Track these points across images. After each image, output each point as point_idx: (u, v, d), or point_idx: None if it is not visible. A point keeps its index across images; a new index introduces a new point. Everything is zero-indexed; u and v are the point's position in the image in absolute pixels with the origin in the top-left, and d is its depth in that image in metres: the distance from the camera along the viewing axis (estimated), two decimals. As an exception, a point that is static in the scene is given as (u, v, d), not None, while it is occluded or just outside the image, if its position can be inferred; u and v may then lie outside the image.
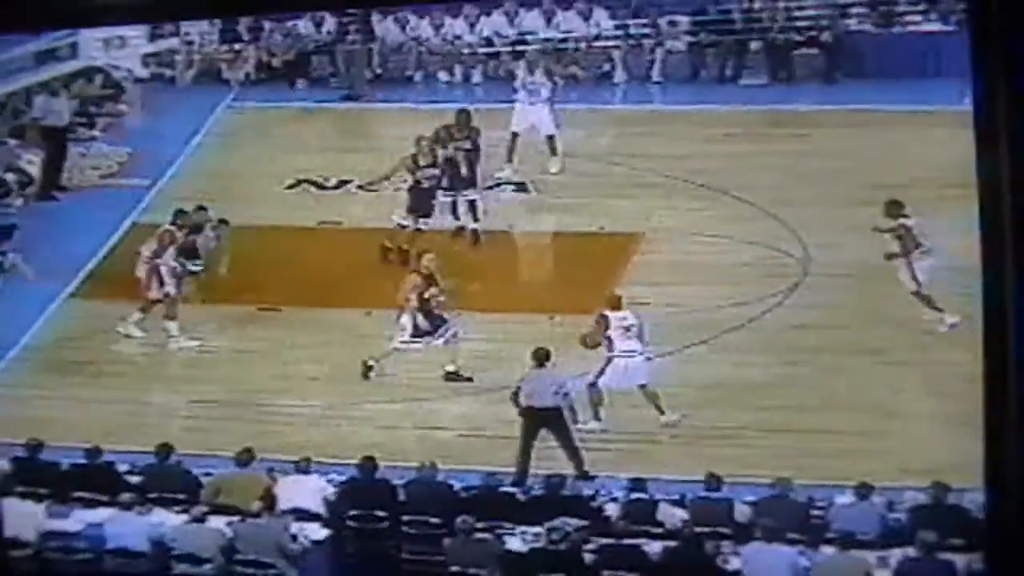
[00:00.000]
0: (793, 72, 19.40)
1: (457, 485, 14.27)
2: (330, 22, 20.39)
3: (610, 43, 19.85)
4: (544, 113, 18.19)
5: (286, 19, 20.66)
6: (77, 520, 14.43)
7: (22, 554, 14.22)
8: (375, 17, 20.22)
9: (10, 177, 18.64)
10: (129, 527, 14.23)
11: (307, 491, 14.36)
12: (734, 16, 19.69)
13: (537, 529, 13.62)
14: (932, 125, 16.72)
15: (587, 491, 14.07)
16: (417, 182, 17.20)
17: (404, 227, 17.09)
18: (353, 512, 14.20)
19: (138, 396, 15.88)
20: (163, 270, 16.64)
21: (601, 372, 14.81)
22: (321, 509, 14.30)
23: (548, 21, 19.80)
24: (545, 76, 18.36)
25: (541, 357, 14.73)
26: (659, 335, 15.11)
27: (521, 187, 17.75)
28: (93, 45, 19.90)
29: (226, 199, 17.53)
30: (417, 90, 20.24)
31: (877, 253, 15.51)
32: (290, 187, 18.50)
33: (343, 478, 14.48)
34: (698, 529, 13.36)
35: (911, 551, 12.72)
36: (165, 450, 14.79)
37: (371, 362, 15.60)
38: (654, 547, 13.32)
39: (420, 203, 17.17)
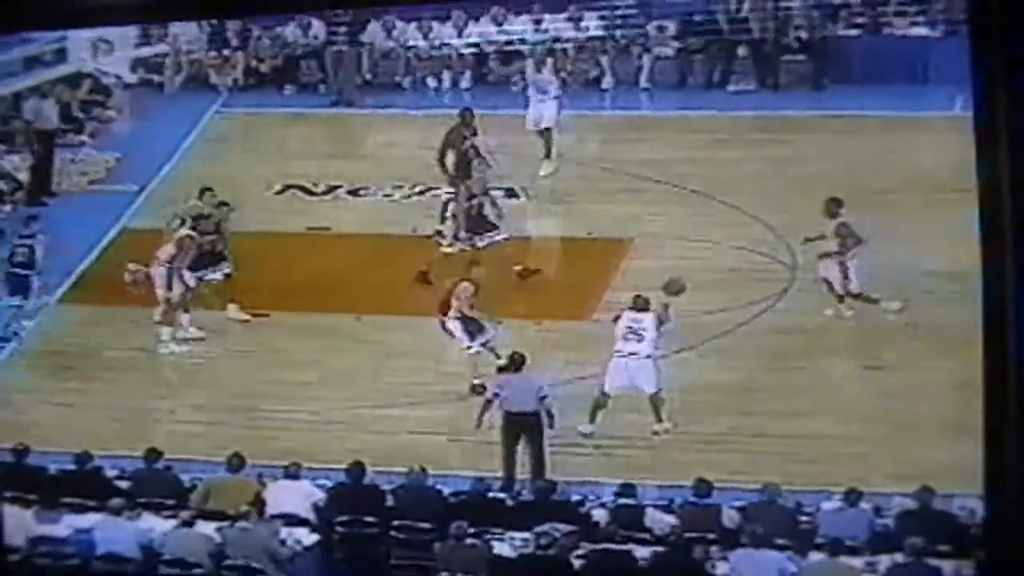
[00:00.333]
0: (780, 78, 19.44)
1: (446, 490, 14.28)
2: (317, 27, 20.40)
3: (599, 48, 19.89)
4: (552, 109, 18.28)
5: (274, 24, 20.67)
6: (66, 525, 14.40)
7: (11, 559, 14.19)
8: (364, 20, 20.24)
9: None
10: (118, 532, 14.20)
11: (296, 496, 14.36)
12: (721, 22, 19.74)
13: (526, 535, 13.63)
14: (920, 131, 16.81)
15: (576, 496, 14.09)
16: (471, 200, 17.04)
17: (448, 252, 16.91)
18: (342, 517, 14.20)
19: (127, 401, 15.86)
20: (181, 275, 16.60)
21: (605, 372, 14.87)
22: (310, 514, 14.29)
23: (537, 26, 19.83)
24: (553, 72, 18.44)
25: (517, 362, 14.77)
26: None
27: (511, 193, 17.74)
28: (82, 50, 19.91)
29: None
30: (406, 96, 20.27)
31: (866, 256, 15.56)
32: (279, 193, 18.51)
33: (332, 483, 14.48)
34: (687, 535, 13.38)
35: (899, 557, 12.74)
36: (154, 455, 14.79)
37: (475, 381, 15.46)
38: (643, 553, 13.33)
39: (476, 223, 17.01)
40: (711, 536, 13.35)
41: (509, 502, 14.21)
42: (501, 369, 15.06)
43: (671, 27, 19.88)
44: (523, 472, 14.48)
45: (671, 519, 13.59)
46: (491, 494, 14.27)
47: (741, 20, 19.66)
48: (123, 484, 14.77)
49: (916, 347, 14.79)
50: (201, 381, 16.26)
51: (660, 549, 13.35)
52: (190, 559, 13.89)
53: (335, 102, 20.31)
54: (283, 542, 13.94)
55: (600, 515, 13.84)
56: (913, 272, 15.19)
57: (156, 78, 20.77)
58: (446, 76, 20.53)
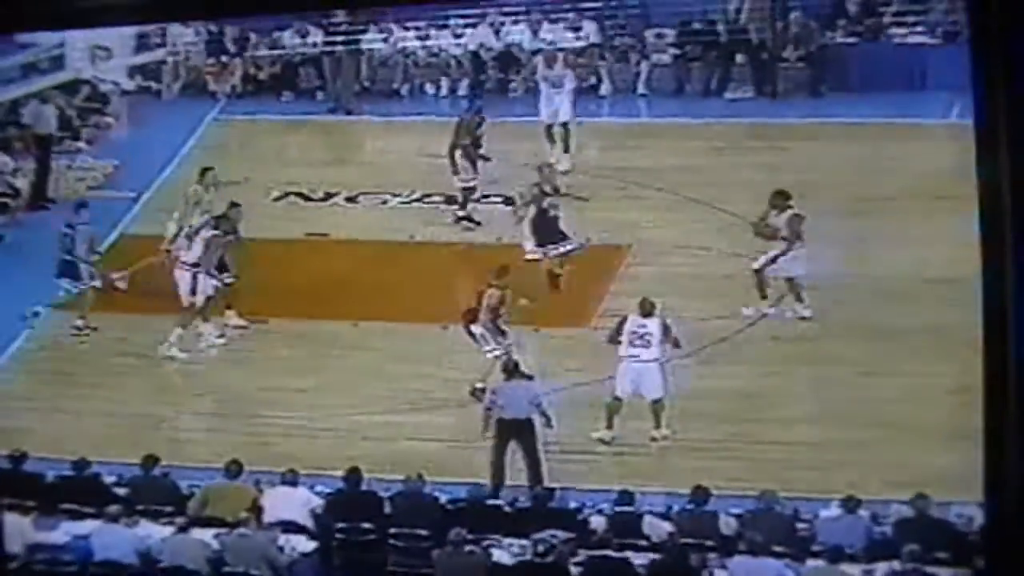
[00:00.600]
0: (779, 85, 19.45)
1: (443, 497, 14.27)
2: (316, 34, 20.41)
3: (597, 55, 19.91)
4: (567, 102, 18.36)
5: (272, 31, 20.69)
6: (64, 532, 14.38)
7: (9, 566, 14.17)
8: (362, 27, 20.26)
9: (-1, 190, 18.72)
10: (116, 539, 14.18)
11: (294, 503, 14.34)
12: (719, 29, 19.76)
13: (524, 541, 13.62)
14: (918, 138, 16.83)
15: (573, 503, 14.09)
16: (543, 211, 16.89)
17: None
18: (340, 524, 14.19)
19: (125, 408, 15.85)
20: (201, 278, 16.58)
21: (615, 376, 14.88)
22: (308, 521, 14.28)
23: (535, 34, 19.85)
24: (565, 66, 18.48)
25: (510, 368, 14.78)
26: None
27: (508, 200, 17.73)
28: (80, 57, 19.91)
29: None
30: (404, 103, 20.29)
31: (863, 264, 15.58)
32: (277, 199, 18.51)
33: (330, 490, 14.47)
34: (684, 542, 13.37)
35: (897, 564, 12.74)
36: (152, 462, 14.76)
37: (478, 385, 15.42)
38: (640, 560, 13.32)
39: (549, 233, 16.86)
40: (709, 543, 13.33)
41: (507, 509, 14.20)
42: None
43: (669, 34, 19.91)
44: (520, 479, 14.47)
45: (668, 526, 13.58)
46: (489, 501, 14.25)
47: (739, 27, 19.68)
48: (121, 491, 14.74)
49: (914, 354, 14.78)
50: (199, 387, 16.26)
51: (658, 556, 13.34)
52: (188, 566, 13.87)
53: (333, 109, 20.34)
54: (281, 549, 13.92)
55: (598, 522, 13.82)
56: (911, 277, 15.21)
57: (154, 85, 20.82)
58: (444, 83, 20.56)
